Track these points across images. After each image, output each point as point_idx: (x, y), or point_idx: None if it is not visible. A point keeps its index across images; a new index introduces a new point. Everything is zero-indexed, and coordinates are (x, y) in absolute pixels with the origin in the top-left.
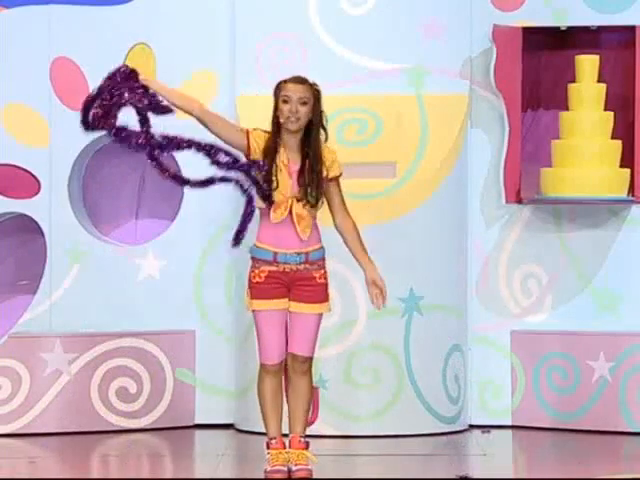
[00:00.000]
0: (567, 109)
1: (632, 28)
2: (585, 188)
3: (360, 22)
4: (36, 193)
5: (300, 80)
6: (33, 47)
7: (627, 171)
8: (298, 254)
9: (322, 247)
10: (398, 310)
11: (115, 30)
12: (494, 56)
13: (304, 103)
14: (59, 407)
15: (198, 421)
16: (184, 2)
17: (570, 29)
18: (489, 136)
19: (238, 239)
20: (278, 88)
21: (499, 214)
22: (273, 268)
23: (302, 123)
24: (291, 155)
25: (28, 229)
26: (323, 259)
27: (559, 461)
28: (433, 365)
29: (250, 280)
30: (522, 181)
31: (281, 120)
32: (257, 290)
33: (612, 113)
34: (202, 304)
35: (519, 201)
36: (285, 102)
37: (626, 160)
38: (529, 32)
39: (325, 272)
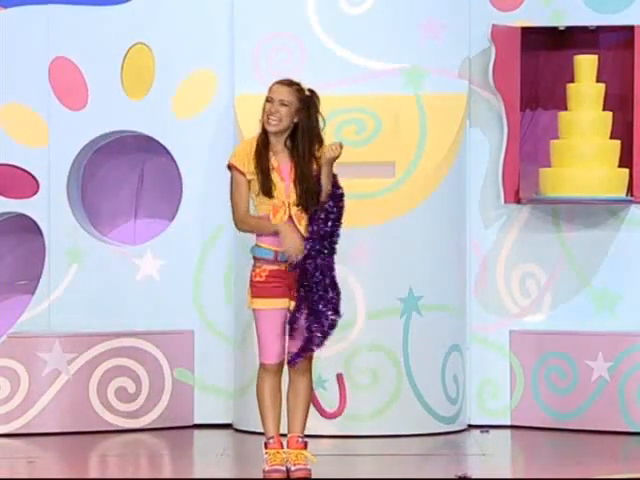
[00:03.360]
0: (566, 109)
1: (631, 28)
2: (584, 188)
3: (359, 22)
4: (35, 193)
5: (287, 82)
6: (32, 47)
7: (626, 171)
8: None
9: None
10: (397, 310)
11: (114, 30)
12: (493, 56)
13: (284, 105)
14: (58, 407)
15: (197, 421)
16: (183, 2)
17: (569, 29)
18: (488, 136)
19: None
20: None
21: (498, 214)
22: (274, 267)
23: (283, 125)
24: (280, 158)
25: (27, 229)
26: None
27: (558, 461)
28: (432, 365)
29: (251, 279)
30: (521, 181)
31: (261, 120)
32: (258, 289)
33: (611, 113)
34: (201, 304)
35: (518, 201)
36: (267, 101)
37: (625, 160)
38: (528, 32)
39: None
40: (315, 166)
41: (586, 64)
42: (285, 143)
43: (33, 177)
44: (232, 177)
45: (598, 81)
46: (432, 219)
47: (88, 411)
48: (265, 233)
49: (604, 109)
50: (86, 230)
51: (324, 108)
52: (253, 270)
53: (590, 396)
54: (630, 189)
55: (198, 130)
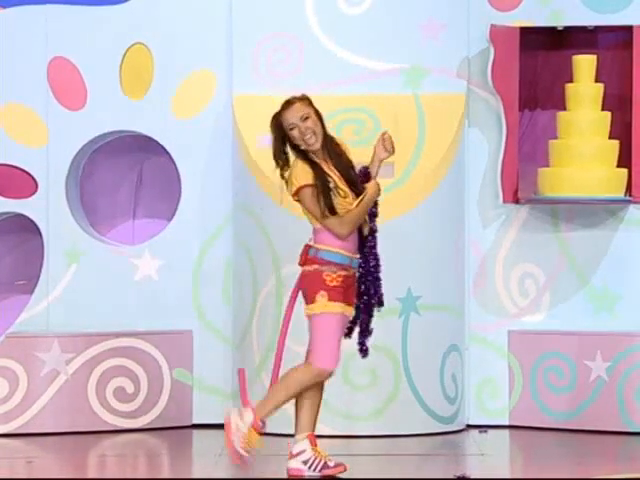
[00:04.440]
0: (564, 109)
1: (629, 28)
2: (582, 188)
3: (357, 22)
4: (33, 193)
5: (292, 101)
6: (30, 47)
7: (624, 171)
8: (358, 258)
9: None
10: (396, 310)
11: (112, 30)
12: (491, 56)
13: (307, 118)
14: (56, 407)
15: (195, 421)
16: (182, 2)
17: (567, 29)
18: (486, 136)
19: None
20: (277, 124)
21: (496, 214)
22: (345, 273)
23: (320, 135)
24: (332, 166)
25: (25, 229)
26: None
27: (556, 461)
28: (431, 365)
29: (325, 283)
30: (519, 181)
31: (302, 147)
32: (337, 293)
33: (609, 113)
34: (199, 304)
35: (516, 201)
36: (292, 129)
37: (623, 160)
38: (526, 32)
39: None
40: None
41: (585, 64)
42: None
43: (32, 177)
44: (307, 198)
45: (597, 81)
46: (431, 219)
47: (87, 411)
48: (370, 205)
49: (603, 109)
50: (85, 230)
51: (323, 108)
52: (327, 274)
53: (589, 396)
54: (629, 189)
55: (197, 130)
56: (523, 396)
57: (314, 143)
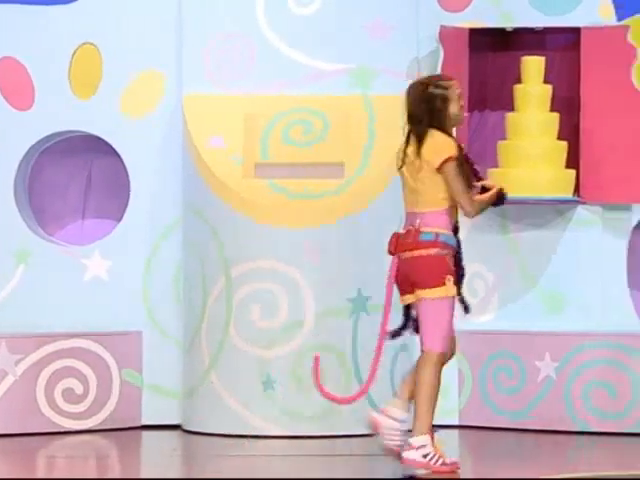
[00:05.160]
0: (513, 110)
1: (577, 30)
2: (531, 188)
3: (307, 22)
4: None
5: (450, 80)
6: None
7: (572, 172)
8: None
9: None
10: (346, 311)
11: (61, 29)
12: (441, 57)
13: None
14: (4, 408)
15: (145, 422)
16: (131, 1)
17: (516, 30)
18: None
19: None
20: (442, 87)
21: None
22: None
23: None
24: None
25: None
26: None
27: (506, 460)
28: (380, 365)
29: (450, 267)
30: None
31: (448, 123)
32: (455, 276)
33: (557, 114)
34: (149, 305)
35: None
36: (455, 100)
37: (571, 161)
38: (476, 33)
39: None
40: None
41: (533, 65)
42: None
43: None
44: (454, 169)
45: (545, 82)
46: (380, 220)
47: (35, 412)
48: (491, 202)
49: (551, 110)
50: (33, 230)
51: (273, 108)
52: (450, 259)
53: (537, 396)
54: (577, 190)
55: (146, 130)
56: (472, 396)
57: (462, 121)
